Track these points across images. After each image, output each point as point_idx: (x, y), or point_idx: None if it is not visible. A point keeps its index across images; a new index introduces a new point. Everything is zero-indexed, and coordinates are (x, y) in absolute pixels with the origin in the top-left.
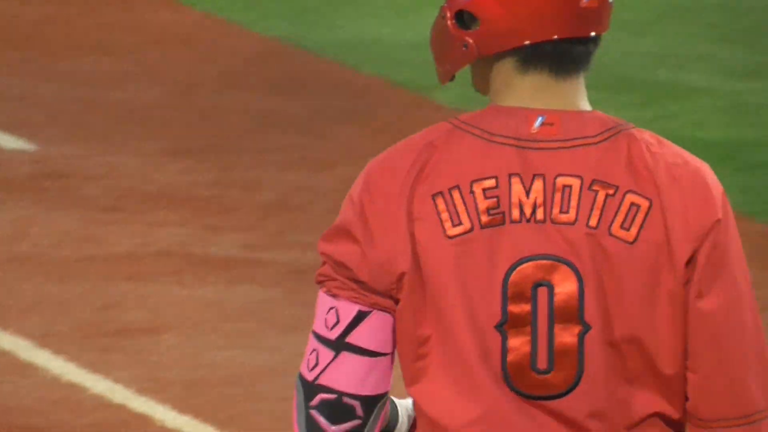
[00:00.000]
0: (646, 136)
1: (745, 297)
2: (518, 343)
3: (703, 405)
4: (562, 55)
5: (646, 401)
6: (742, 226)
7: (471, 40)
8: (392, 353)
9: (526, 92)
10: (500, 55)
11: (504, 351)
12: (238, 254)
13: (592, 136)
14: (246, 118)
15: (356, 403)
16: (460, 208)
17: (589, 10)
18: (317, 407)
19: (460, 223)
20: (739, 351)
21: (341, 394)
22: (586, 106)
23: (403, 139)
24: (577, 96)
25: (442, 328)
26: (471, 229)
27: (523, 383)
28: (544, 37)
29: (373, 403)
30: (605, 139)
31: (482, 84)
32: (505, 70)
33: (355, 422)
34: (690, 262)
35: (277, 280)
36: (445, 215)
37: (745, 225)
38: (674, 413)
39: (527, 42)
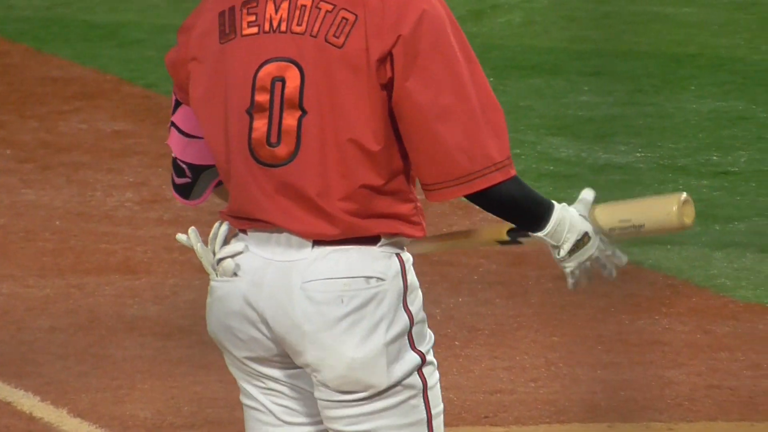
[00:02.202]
0: None
1: (449, 85)
2: (260, 124)
3: (422, 173)
4: None
5: (356, 176)
6: None
7: None
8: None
9: None
10: None
11: (250, 130)
12: None
13: None
14: None
15: (184, 166)
16: (231, 22)
17: None
18: (172, 163)
19: (229, 33)
20: (441, 127)
21: (174, 157)
22: None
23: None
24: None
25: (208, 115)
26: (235, 38)
27: (261, 154)
28: None
29: (197, 170)
30: None
31: None
32: None
33: (186, 180)
34: (382, 62)
35: None
36: (221, 27)
37: None
38: (379, 183)
39: None
